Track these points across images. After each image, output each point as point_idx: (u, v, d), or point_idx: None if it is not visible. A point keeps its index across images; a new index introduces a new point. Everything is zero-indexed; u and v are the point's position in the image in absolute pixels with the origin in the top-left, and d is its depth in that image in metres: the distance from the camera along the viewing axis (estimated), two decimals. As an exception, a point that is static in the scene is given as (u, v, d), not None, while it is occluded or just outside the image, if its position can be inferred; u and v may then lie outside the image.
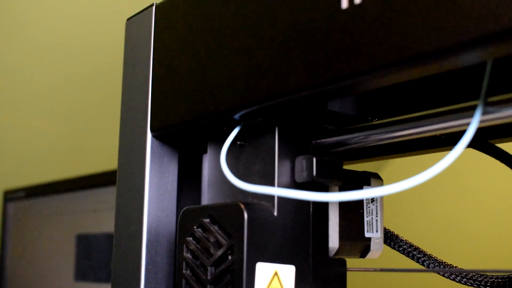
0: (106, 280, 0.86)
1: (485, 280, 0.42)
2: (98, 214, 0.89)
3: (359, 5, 0.29)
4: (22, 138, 1.30)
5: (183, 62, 0.41)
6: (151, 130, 0.43)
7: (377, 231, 0.42)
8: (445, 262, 0.44)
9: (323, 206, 0.39)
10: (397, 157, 0.51)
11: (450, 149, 0.45)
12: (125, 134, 0.45)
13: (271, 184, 0.37)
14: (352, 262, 0.41)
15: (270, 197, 0.37)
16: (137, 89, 0.44)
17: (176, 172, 0.44)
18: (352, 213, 0.41)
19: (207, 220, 0.37)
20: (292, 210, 0.37)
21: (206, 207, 0.38)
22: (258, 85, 0.34)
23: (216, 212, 0.37)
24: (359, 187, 0.42)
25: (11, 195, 1.11)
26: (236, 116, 0.37)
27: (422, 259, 0.44)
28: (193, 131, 0.41)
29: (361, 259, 0.42)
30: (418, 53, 0.26)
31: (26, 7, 1.32)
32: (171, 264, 0.42)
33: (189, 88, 0.40)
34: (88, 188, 0.92)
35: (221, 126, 0.40)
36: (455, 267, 0.44)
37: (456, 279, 0.42)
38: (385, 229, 0.45)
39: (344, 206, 0.40)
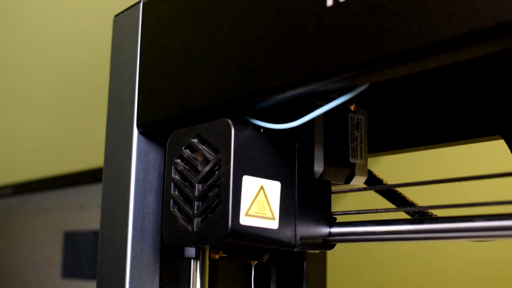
0: (93, 277, 0.86)
1: None
2: (86, 211, 0.89)
3: (344, 2, 0.29)
4: (9, 135, 1.29)
5: (170, 59, 0.41)
6: (138, 127, 0.43)
7: (361, 158, 0.43)
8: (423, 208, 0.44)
9: (308, 128, 0.40)
10: (391, 153, 0.51)
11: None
12: (111, 130, 0.45)
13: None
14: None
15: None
16: (124, 85, 0.44)
17: (162, 168, 0.44)
18: (337, 138, 0.42)
19: (195, 140, 0.38)
20: (279, 129, 0.38)
21: (194, 128, 0.38)
22: (244, 82, 0.34)
23: (203, 131, 0.37)
24: (345, 113, 0.43)
25: (-1, 192, 1.10)
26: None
27: (402, 205, 0.45)
28: (179, 128, 0.41)
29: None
30: (401, 50, 0.27)
31: (15, 6, 1.32)
32: (156, 260, 0.42)
33: (176, 85, 0.40)
34: (75, 185, 0.92)
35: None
36: (434, 215, 0.43)
37: None
38: (370, 171, 0.46)
39: (329, 131, 0.41)
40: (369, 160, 0.45)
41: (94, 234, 0.87)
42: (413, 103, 0.47)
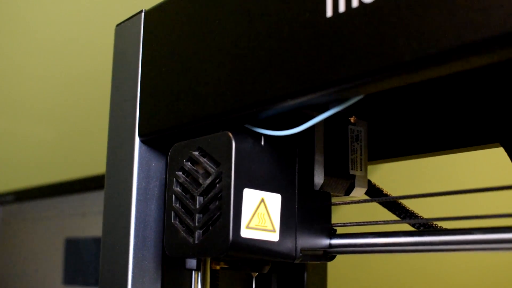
0: (94, 284, 0.86)
1: None
2: (87, 218, 0.89)
3: (344, 14, 0.29)
4: (11, 141, 1.29)
5: (171, 68, 0.41)
6: (139, 135, 0.43)
7: (361, 169, 0.43)
8: (422, 218, 0.44)
9: (308, 140, 0.40)
10: (391, 161, 0.52)
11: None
12: (113, 138, 0.45)
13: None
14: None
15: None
16: (126, 94, 0.45)
17: (164, 177, 0.44)
18: (337, 150, 0.42)
19: (196, 152, 0.38)
20: (279, 142, 0.38)
21: (195, 140, 0.39)
22: (245, 92, 0.35)
23: (205, 144, 0.38)
24: (344, 125, 0.43)
25: (0, 199, 1.10)
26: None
27: (403, 215, 0.45)
28: (181, 136, 0.42)
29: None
30: (401, 61, 0.27)
31: (18, 12, 1.32)
32: (158, 268, 0.43)
33: (178, 94, 0.40)
34: (77, 192, 0.92)
35: (208, 132, 0.41)
36: (438, 226, 0.43)
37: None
38: (369, 181, 0.46)
39: (329, 143, 0.42)
40: (369, 167, 0.46)
41: (95, 241, 0.87)
42: (412, 111, 0.48)
